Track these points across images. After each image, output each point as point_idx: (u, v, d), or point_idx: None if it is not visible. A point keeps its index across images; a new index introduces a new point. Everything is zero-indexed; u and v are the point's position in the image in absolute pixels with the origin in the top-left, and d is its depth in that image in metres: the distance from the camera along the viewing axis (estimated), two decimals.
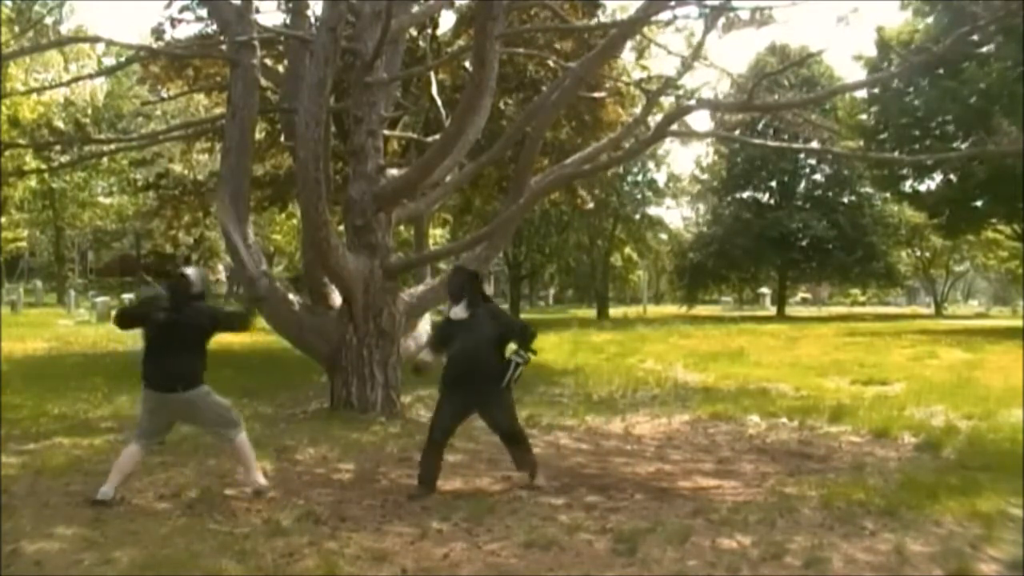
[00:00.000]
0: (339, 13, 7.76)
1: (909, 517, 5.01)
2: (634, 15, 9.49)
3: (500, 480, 6.04)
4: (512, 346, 5.68)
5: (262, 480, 5.45)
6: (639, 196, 40.18)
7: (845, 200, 41.67)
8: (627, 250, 42.67)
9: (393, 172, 9.37)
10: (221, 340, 19.29)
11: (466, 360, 5.56)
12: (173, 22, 12.78)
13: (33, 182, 31.82)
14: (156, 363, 5.32)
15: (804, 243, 40.84)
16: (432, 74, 11.30)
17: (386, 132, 9.87)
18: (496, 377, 5.54)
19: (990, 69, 24.00)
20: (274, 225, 37.65)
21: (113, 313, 6.25)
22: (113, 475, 5.26)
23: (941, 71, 25.48)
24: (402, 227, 15.41)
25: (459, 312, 5.74)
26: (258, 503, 5.27)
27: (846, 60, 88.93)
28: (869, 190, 40.42)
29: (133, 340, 19.13)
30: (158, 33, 12.65)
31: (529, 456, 5.84)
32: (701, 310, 43.31)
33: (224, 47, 9.83)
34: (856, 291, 56.88)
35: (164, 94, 16.27)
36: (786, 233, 39.83)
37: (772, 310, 44.95)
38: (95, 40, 19.90)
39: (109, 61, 27.73)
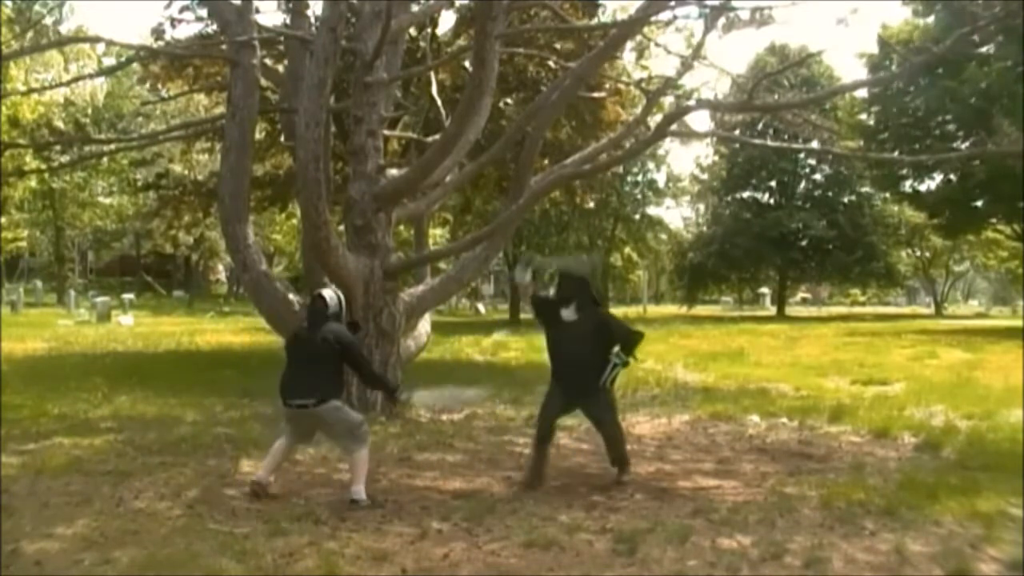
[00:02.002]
0: (339, 13, 7.76)
1: (909, 517, 5.01)
2: (634, 15, 9.49)
3: (500, 480, 6.04)
4: (616, 348, 5.89)
5: (362, 494, 5.28)
6: (639, 196, 40.23)
7: (845, 200, 41.70)
8: (627, 250, 42.68)
9: (393, 172, 9.37)
10: (221, 340, 19.28)
11: (572, 362, 5.84)
12: (173, 22, 12.77)
13: (33, 182, 31.80)
14: (289, 377, 5.51)
15: (804, 243, 40.88)
16: (432, 74, 11.29)
17: (386, 132, 9.87)
18: (598, 376, 5.79)
19: (990, 69, 24.00)
20: (274, 225, 37.65)
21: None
22: (267, 460, 5.55)
23: (941, 71, 25.47)
24: (402, 227, 15.44)
25: (569, 315, 5.94)
26: (258, 503, 5.27)
27: (846, 60, 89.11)
28: (869, 190, 40.47)
29: (133, 340, 19.14)
30: (158, 33, 12.64)
31: (623, 454, 6.01)
32: (701, 310, 43.33)
33: (224, 47, 9.83)
34: (856, 291, 56.88)
35: (164, 94, 16.27)
36: (786, 233, 39.85)
37: (772, 310, 44.97)
38: (95, 40, 19.87)
39: (109, 61, 27.66)
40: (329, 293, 5.72)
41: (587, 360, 5.79)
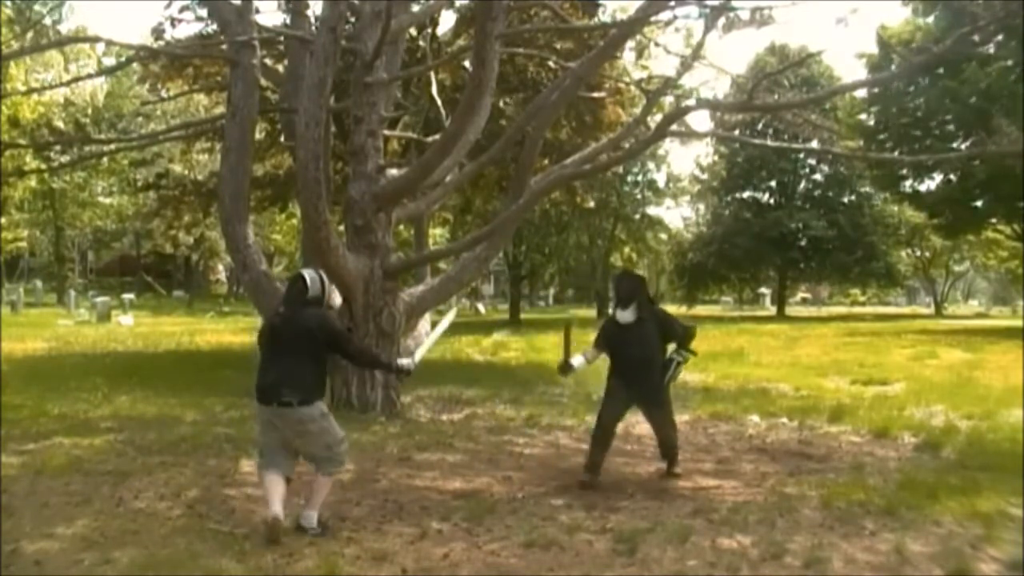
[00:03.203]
0: (339, 13, 7.77)
1: (909, 517, 5.02)
2: (634, 15, 9.49)
3: (500, 480, 6.04)
4: (672, 346, 6.03)
5: (313, 521, 4.68)
6: (639, 196, 40.18)
7: (845, 200, 41.70)
8: (627, 250, 42.66)
9: (393, 172, 9.37)
10: (221, 340, 19.24)
11: (636, 363, 5.91)
12: (173, 22, 12.76)
13: (33, 182, 31.83)
14: (265, 373, 4.73)
15: (804, 243, 40.87)
16: (432, 74, 11.30)
17: (386, 132, 9.87)
18: (659, 376, 5.93)
19: (990, 69, 24.00)
20: (274, 225, 37.67)
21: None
22: (270, 496, 4.63)
23: (941, 71, 25.48)
24: (402, 227, 15.44)
25: (627, 316, 5.99)
26: (258, 504, 5.26)
27: (846, 60, 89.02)
28: (869, 190, 40.46)
29: (133, 340, 19.11)
30: (158, 33, 12.63)
31: (676, 448, 6.17)
32: (701, 310, 43.30)
33: (224, 47, 9.83)
34: (856, 291, 56.91)
35: (164, 94, 16.27)
36: (786, 233, 39.86)
37: (772, 310, 44.97)
38: (95, 40, 19.91)
39: (109, 61, 27.71)
40: (311, 274, 4.90)
41: (652, 359, 5.94)
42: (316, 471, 4.79)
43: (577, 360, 6.23)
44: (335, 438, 4.79)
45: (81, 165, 31.95)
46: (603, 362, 6.23)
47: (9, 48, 14.39)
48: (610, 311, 6.25)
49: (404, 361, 5.37)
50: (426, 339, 7.09)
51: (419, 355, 5.64)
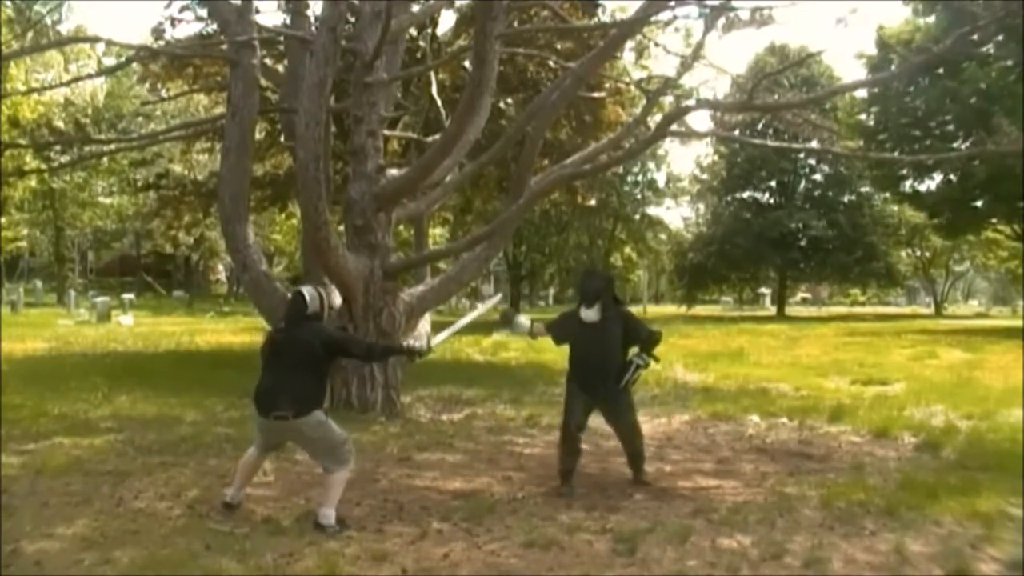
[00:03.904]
0: (339, 13, 7.76)
1: (909, 517, 5.01)
2: (634, 15, 9.49)
3: (500, 480, 6.04)
4: (635, 349, 5.82)
5: (331, 519, 4.75)
6: (639, 196, 40.24)
7: (845, 200, 41.73)
8: (627, 250, 42.72)
9: (393, 172, 9.37)
10: (221, 340, 19.21)
11: (595, 363, 5.75)
12: (173, 22, 12.77)
13: (33, 182, 31.82)
14: (266, 385, 4.92)
15: (804, 243, 40.90)
16: (432, 74, 11.30)
17: (386, 132, 9.87)
18: (617, 378, 5.72)
19: (990, 69, 24.01)
20: (274, 225, 37.67)
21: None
22: (236, 479, 5.11)
23: (941, 71, 25.48)
24: (402, 227, 15.45)
25: (591, 315, 5.82)
26: (258, 504, 5.27)
27: (846, 60, 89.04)
28: (869, 190, 40.49)
29: (133, 340, 19.10)
30: (158, 33, 12.63)
31: (642, 454, 6.00)
32: (701, 310, 43.36)
33: (224, 47, 9.83)
34: (856, 291, 56.93)
35: (164, 94, 16.28)
36: (786, 233, 39.88)
37: (772, 310, 45.00)
38: (95, 40, 19.90)
39: (109, 61, 27.73)
40: (309, 291, 5.11)
41: (611, 361, 5.74)
42: (326, 472, 4.90)
43: (524, 318, 6.16)
44: (337, 440, 4.90)
45: (81, 165, 31.95)
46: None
47: (9, 48, 14.38)
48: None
49: (416, 344, 5.45)
50: (469, 316, 6.79)
51: (441, 337, 5.75)
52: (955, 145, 25.27)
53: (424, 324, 10.10)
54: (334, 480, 4.83)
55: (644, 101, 11.53)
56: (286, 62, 11.19)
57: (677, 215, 68.69)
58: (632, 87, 13.91)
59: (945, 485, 5.68)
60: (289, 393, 4.77)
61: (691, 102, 10.89)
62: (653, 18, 9.90)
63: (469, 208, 20.21)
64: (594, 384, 5.75)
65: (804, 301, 57.86)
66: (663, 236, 44.92)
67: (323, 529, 4.69)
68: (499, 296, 7.64)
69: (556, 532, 4.71)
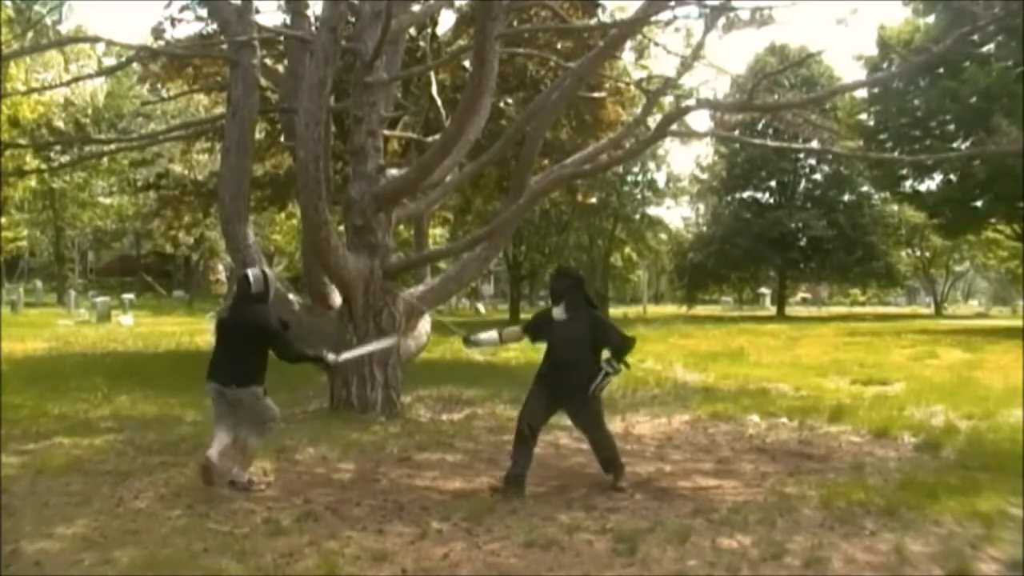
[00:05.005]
0: (339, 13, 7.76)
1: (909, 517, 5.01)
2: (634, 15, 9.48)
3: (500, 480, 6.03)
4: (606, 354, 5.73)
5: (244, 478, 5.53)
6: (639, 196, 40.17)
7: (845, 200, 41.74)
8: (627, 250, 42.67)
9: (393, 172, 9.37)
10: None
11: (561, 361, 5.71)
12: (173, 22, 12.73)
13: (33, 182, 31.78)
14: (214, 359, 5.64)
15: (804, 243, 40.90)
16: (432, 74, 11.29)
17: (386, 132, 9.86)
18: (587, 382, 5.64)
19: (990, 69, 24.01)
20: (274, 225, 37.63)
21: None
22: (236, 459, 5.60)
23: (941, 71, 25.48)
24: (402, 227, 15.44)
25: (558, 313, 5.83)
26: (258, 504, 5.27)
27: (846, 60, 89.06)
28: (869, 190, 40.49)
29: (133, 340, 19.12)
30: (158, 33, 12.60)
31: (616, 461, 5.86)
32: (701, 310, 43.36)
33: (224, 47, 9.82)
34: (856, 291, 56.94)
35: (164, 94, 16.24)
36: (786, 233, 39.88)
37: (772, 310, 45.01)
38: (95, 40, 19.89)
39: (109, 61, 27.71)
40: (255, 272, 5.70)
41: (576, 361, 5.65)
42: (242, 438, 5.54)
43: (486, 335, 6.20)
44: (266, 415, 5.63)
45: (81, 165, 31.94)
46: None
47: (9, 48, 14.38)
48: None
49: (330, 356, 5.95)
50: (370, 345, 7.44)
51: (348, 355, 6.30)
52: (955, 145, 25.28)
53: (424, 324, 10.10)
54: (250, 445, 5.55)
55: (644, 101, 11.52)
56: (286, 62, 11.17)
57: (677, 215, 68.71)
58: (632, 87, 13.90)
59: (945, 485, 5.68)
60: (232, 367, 5.46)
61: (691, 102, 10.87)
62: (653, 18, 9.89)
63: (469, 208, 20.19)
64: (559, 384, 5.69)
65: (804, 301, 57.85)
66: (663, 236, 44.82)
67: (234, 484, 5.44)
68: (394, 338, 7.87)
69: (556, 532, 4.71)
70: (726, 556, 4.35)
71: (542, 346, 6.11)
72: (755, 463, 6.70)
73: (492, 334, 6.24)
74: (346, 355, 6.29)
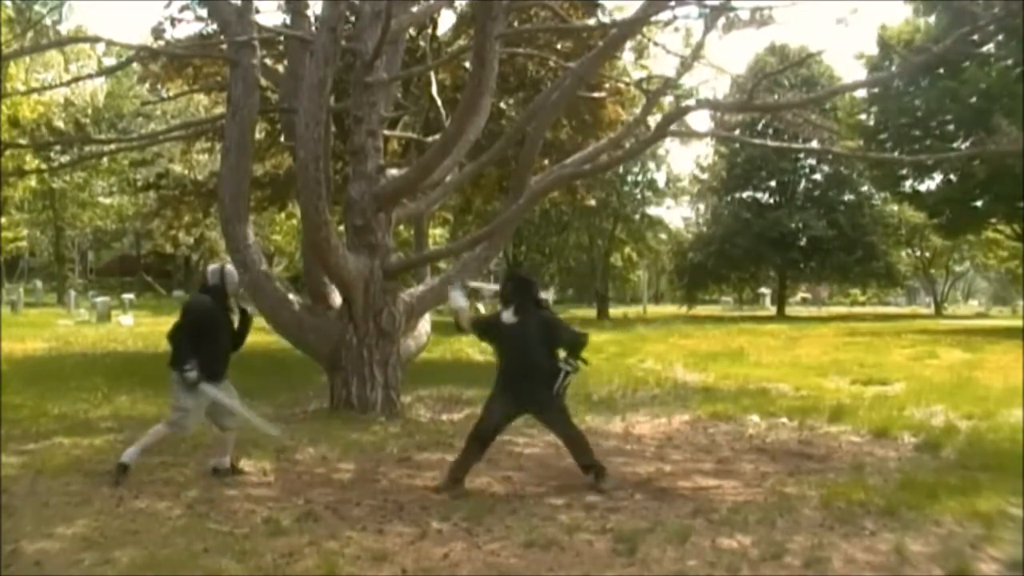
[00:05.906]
0: (339, 13, 7.77)
1: (909, 517, 5.01)
2: (634, 15, 9.48)
3: (500, 480, 6.04)
4: (562, 353, 5.73)
5: (133, 457, 5.75)
6: (639, 196, 40.18)
7: (845, 200, 41.74)
8: (627, 250, 42.68)
9: (393, 172, 9.37)
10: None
11: (518, 365, 5.70)
12: (173, 22, 12.74)
13: (33, 182, 31.80)
14: None
15: (804, 243, 40.90)
16: (432, 74, 11.29)
17: (386, 132, 9.86)
18: (548, 382, 5.63)
19: (990, 69, 24.02)
20: (274, 225, 37.63)
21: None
22: (218, 449, 6.05)
23: (941, 71, 25.48)
24: (402, 227, 15.44)
25: (508, 316, 5.80)
26: (258, 504, 5.27)
27: (846, 60, 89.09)
28: (869, 190, 40.48)
29: (133, 340, 19.12)
30: (158, 33, 12.61)
31: (593, 461, 5.81)
32: (701, 310, 43.36)
33: (224, 47, 9.82)
34: (856, 291, 56.95)
35: (164, 94, 16.26)
36: (786, 233, 39.88)
37: (772, 310, 45.01)
38: (95, 40, 19.90)
39: (109, 61, 27.74)
40: (212, 267, 6.13)
41: (533, 365, 5.65)
42: (162, 422, 5.92)
43: (462, 300, 6.23)
44: (177, 406, 5.80)
45: (81, 165, 31.96)
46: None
47: (9, 48, 14.38)
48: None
49: (191, 373, 5.77)
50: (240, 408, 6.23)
51: (225, 402, 5.95)
52: (955, 145, 25.27)
53: (424, 324, 10.10)
54: (157, 431, 5.84)
55: (644, 101, 11.52)
56: (286, 62, 11.17)
57: (677, 215, 68.68)
58: (632, 87, 13.91)
59: (945, 485, 5.68)
60: (173, 350, 5.80)
61: (691, 102, 10.87)
62: (653, 18, 9.89)
63: (469, 208, 20.19)
64: (518, 388, 5.68)
65: (804, 301, 57.85)
66: (663, 236, 44.82)
67: (125, 468, 5.64)
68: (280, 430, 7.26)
69: (556, 532, 4.71)
70: (726, 556, 4.35)
71: None
72: (755, 463, 6.70)
73: (463, 302, 6.27)
74: (229, 401, 5.99)
